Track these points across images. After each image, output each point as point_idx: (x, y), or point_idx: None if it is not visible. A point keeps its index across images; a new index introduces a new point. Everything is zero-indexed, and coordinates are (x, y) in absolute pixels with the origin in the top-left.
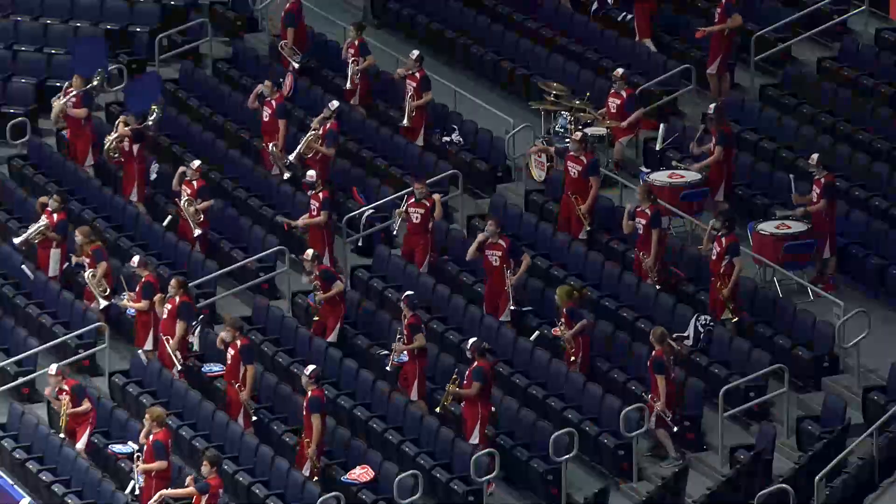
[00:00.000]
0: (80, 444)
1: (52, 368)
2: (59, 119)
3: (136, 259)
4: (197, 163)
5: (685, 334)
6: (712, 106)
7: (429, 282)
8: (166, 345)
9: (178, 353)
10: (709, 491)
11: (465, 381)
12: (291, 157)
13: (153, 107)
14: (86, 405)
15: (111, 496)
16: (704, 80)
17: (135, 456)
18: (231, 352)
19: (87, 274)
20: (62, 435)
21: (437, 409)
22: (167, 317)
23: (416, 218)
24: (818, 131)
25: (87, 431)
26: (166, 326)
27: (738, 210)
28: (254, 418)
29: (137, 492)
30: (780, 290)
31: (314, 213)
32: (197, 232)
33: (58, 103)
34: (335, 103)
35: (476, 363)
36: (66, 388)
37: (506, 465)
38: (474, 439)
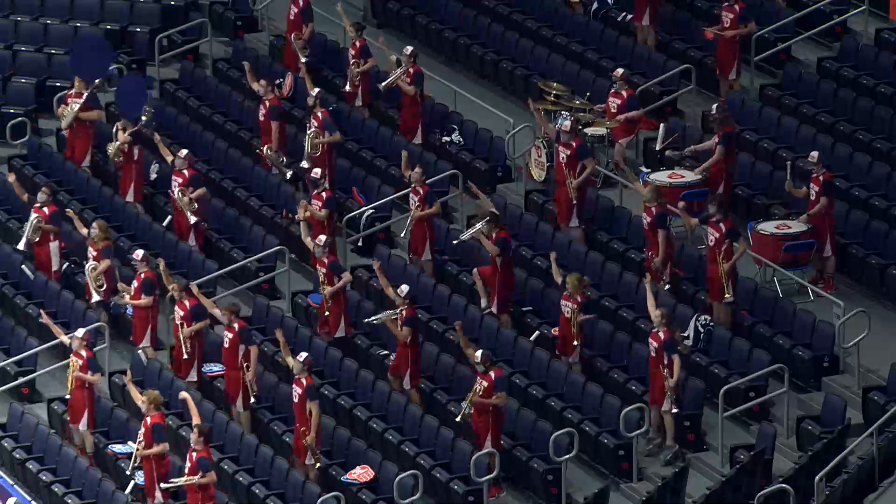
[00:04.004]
0: (83, 426)
1: (80, 332)
2: (72, 125)
3: (139, 252)
4: (184, 152)
5: (685, 334)
6: (715, 106)
7: (429, 282)
8: (182, 345)
9: (187, 342)
10: (709, 491)
11: (480, 391)
12: (304, 164)
13: (144, 107)
14: (93, 377)
15: (111, 496)
16: (704, 80)
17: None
18: (229, 335)
19: (89, 267)
20: (67, 396)
21: (458, 419)
22: (183, 320)
23: (415, 203)
24: (818, 131)
25: (87, 412)
26: (179, 329)
27: (738, 210)
28: (252, 400)
29: (140, 485)
30: (780, 290)
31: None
32: (193, 220)
33: (68, 110)
34: (316, 90)
35: (493, 372)
36: (83, 353)
37: (506, 465)
38: (488, 447)
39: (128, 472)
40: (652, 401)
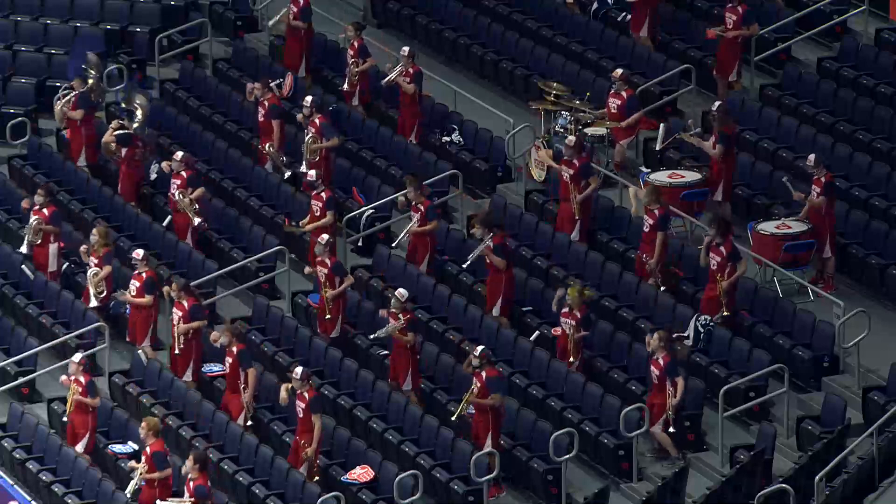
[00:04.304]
0: (80, 447)
1: (77, 357)
2: (63, 121)
3: (140, 252)
4: (180, 154)
5: (685, 334)
6: (717, 104)
7: (429, 282)
8: (177, 346)
9: (180, 339)
10: (709, 491)
11: (476, 390)
12: (303, 169)
13: (136, 106)
14: (93, 400)
15: (111, 496)
16: (704, 80)
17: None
18: (229, 359)
19: (90, 272)
20: (66, 419)
21: (454, 418)
22: (181, 320)
23: (415, 219)
24: (818, 131)
25: (88, 435)
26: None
27: (738, 210)
28: (249, 423)
29: (136, 487)
30: (780, 290)
31: (316, 213)
32: (196, 221)
33: (58, 107)
34: (308, 98)
35: (486, 372)
36: (81, 379)
37: (506, 465)
38: (487, 447)
39: (127, 493)
40: (650, 422)
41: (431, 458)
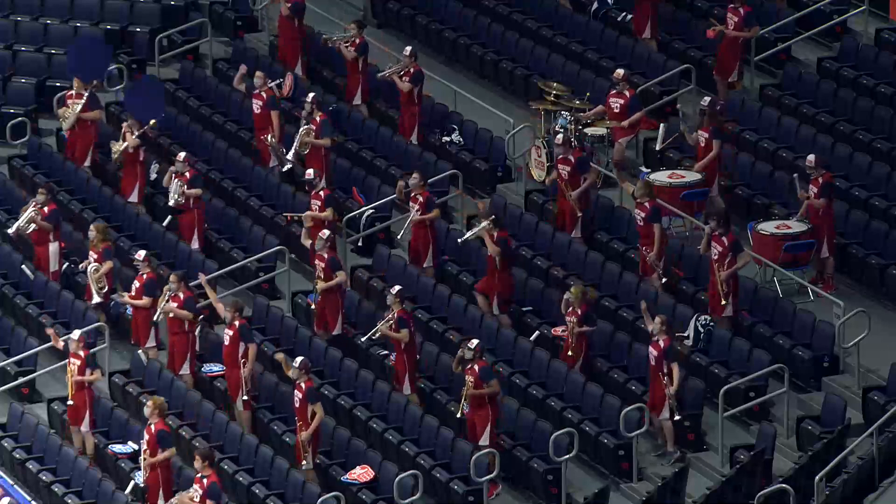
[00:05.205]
0: (85, 426)
1: (76, 334)
2: (76, 124)
3: (142, 253)
4: (182, 155)
5: (685, 334)
6: (706, 99)
7: (429, 282)
8: (156, 316)
9: (162, 315)
10: (709, 491)
11: (471, 384)
12: (290, 157)
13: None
14: (92, 376)
15: (111, 496)
16: (704, 80)
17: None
18: (229, 332)
19: (91, 268)
20: (70, 402)
21: (459, 415)
22: (174, 315)
23: (415, 209)
24: (818, 131)
25: (89, 413)
26: (174, 324)
27: (738, 210)
28: (244, 397)
29: (140, 485)
30: (780, 290)
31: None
32: (171, 202)
33: (69, 111)
34: (311, 95)
35: (477, 364)
36: (81, 354)
37: (506, 465)
38: (484, 440)
39: (139, 483)
40: (651, 409)
41: (431, 458)
